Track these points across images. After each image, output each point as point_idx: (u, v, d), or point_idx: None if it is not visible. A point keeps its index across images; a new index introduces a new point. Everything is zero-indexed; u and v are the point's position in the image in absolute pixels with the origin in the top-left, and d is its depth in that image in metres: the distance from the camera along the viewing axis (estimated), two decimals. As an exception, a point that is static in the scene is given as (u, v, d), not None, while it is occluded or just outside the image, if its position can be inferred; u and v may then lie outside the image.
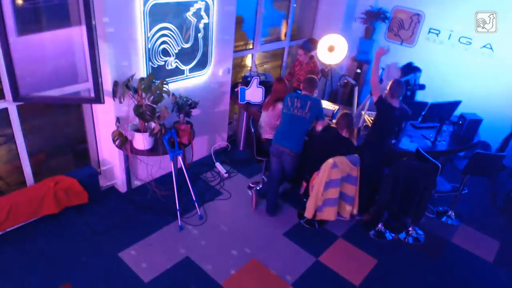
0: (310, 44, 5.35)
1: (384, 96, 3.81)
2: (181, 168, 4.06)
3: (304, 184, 4.07)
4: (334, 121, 4.08)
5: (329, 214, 3.80)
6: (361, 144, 4.03)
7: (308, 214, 3.86)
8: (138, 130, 3.79)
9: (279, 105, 4.06)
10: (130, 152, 3.84)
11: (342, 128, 3.80)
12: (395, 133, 4.37)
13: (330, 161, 3.61)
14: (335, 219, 3.95)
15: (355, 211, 3.88)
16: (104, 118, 4.03)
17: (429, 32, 5.65)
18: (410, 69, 4.98)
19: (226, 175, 4.82)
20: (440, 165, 3.62)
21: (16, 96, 3.24)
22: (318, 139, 3.96)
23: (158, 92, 3.58)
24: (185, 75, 4.30)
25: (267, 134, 4.23)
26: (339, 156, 3.64)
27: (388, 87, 3.78)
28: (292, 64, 5.45)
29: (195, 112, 4.19)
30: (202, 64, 4.42)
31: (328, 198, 3.74)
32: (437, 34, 5.58)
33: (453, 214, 4.49)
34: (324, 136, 3.92)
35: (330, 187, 3.69)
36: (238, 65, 5.69)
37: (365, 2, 6.04)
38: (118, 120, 3.78)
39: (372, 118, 4.15)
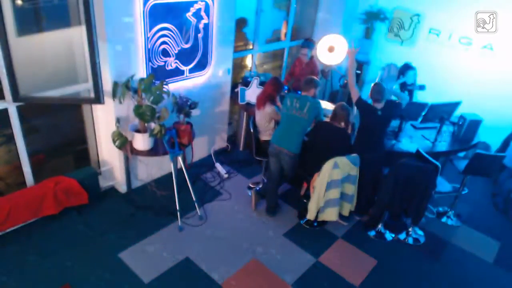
0: (311, 43, 5.35)
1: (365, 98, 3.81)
2: (181, 169, 4.06)
3: (305, 185, 4.07)
4: (329, 115, 4.06)
5: (330, 214, 3.80)
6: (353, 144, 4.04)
7: (310, 215, 3.85)
8: (138, 131, 3.79)
9: (268, 108, 4.06)
10: (130, 153, 3.84)
11: (340, 119, 3.79)
12: (394, 134, 4.38)
13: (331, 161, 3.61)
14: (336, 220, 3.95)
15: (352, 208, 3.91)
16: (104, 119, 4.03)
17: (429, 32, 5.65)
18: (407, 69, 4.99)
19: (226, 175, 4.82)
20: (440, 165, 3.62)
21: (16, 97, 3.24)
22: (312, 136, 3.94)
23: (158, 92, 3.57)
24: (185, 75, 4.29)
25: (263, 136, 4.23)
26: (340, 157, 3.64)
27: (369, 93, 3.78)
28: (292, 64, 5.45)
29: (195, 112, 4.18)
30: (202, 65, 4.42)
31: (329, 199, 3.74)
32: (437, 35, 5.58)
33: (453, 214, 4.49)
34: (318, 132, 3.90)
35: (332, 187, 3.69)
36: (238, 66, 5.69)
37: (365, 2, 6.03)
38: (118, 120, 3.78)
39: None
